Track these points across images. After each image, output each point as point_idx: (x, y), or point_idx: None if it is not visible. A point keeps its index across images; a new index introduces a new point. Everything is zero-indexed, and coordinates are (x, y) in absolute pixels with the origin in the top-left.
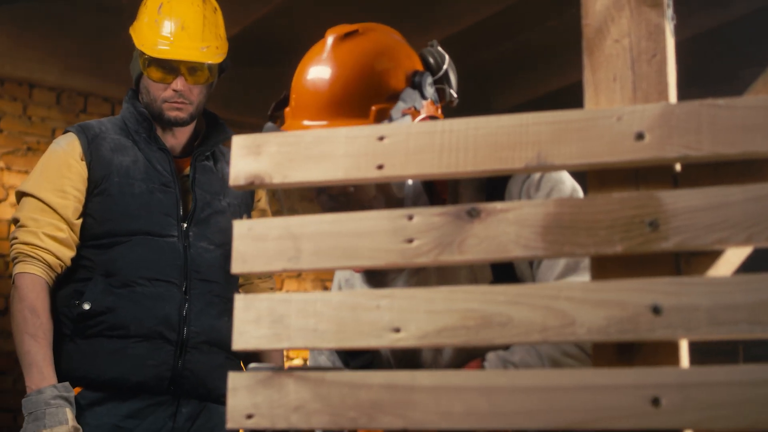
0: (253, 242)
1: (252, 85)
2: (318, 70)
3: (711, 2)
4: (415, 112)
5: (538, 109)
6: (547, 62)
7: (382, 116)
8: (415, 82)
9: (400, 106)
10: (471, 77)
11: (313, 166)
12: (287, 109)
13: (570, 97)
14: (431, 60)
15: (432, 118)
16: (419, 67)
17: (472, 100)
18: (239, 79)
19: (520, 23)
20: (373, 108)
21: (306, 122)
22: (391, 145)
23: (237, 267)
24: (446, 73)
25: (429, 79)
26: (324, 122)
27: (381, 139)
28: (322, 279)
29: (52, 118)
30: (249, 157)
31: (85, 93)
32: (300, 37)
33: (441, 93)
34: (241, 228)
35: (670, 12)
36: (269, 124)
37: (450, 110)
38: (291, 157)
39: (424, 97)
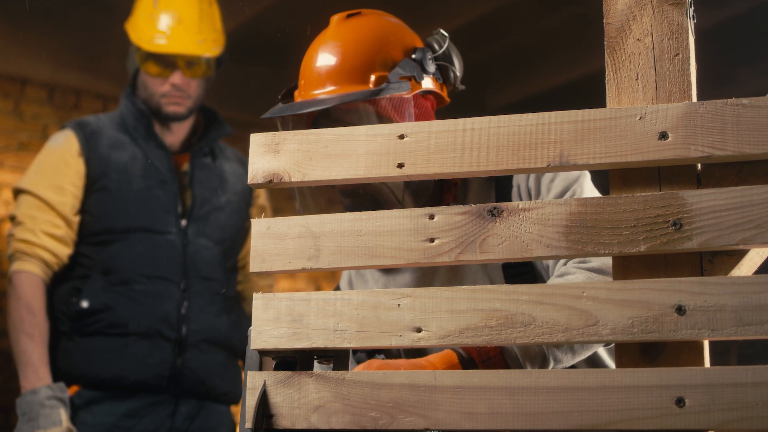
0: (272, 241)
1: (244, 83)
2: (323, 47)
3: (707, 2)
4: (415, 84)
5: (532, 108)
6: (540, 62)
7: (381, 82)
8: (415, 57)
9: (398, 71)
10: (464, 76)
11: (332, 164)
12: (296, 92)
13: (565, 95)
14: (434, 43)
15: (435, 94)
16: (420, 45)
17: (466, 100)
18: (231, 76)
19: (513, 22)
20: (373, 76)
21: (314, 92)
22: (412, 143)
23: (255, 266)
24: (447, 51)
25: (429, 55)
26: (331, 88)
27: (401, 137)
28: (315, 277)
29: (44, 114)
30: (267, 155)
31: (77, 90)
32: (294, 35)
33: (445, 74)
34: (259, 226)
35: (691, 11)
36: (279, 106)
37: (444, 111)
38: (310, 155)
39: (425, 71)
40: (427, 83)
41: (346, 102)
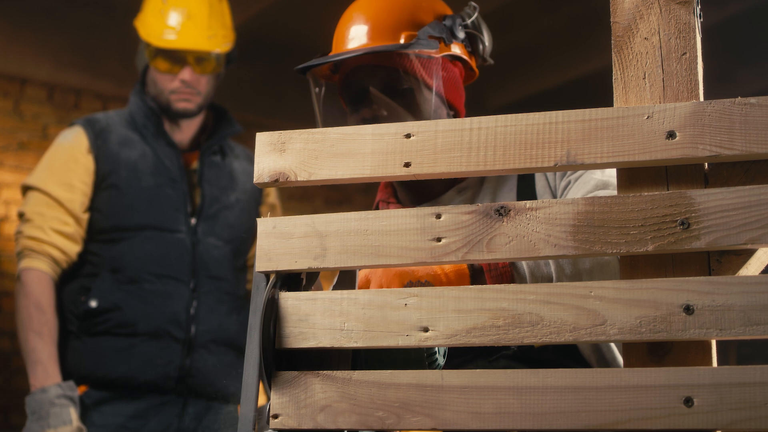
0: (278, 240)
1: (245, 82)
2: (356, 11)
3: (706, 2)
4: (444, 47)
5: (532, 107)
6: (540, 61)
7: (411, 39)
8: (445, 23)
9: (427, 30)
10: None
11: (339, 163)
12: (330, 54)
13: (565, 95)
14: (464, 15)
15: (464, 63)
16: (450, 13)
17: (467, 99)
18: (232, 75)
19: (513, 22)
20: (403, 35)
21: (348, 46)
22: (419, 142)
23: (261, 265)
24: (477, 21)
25: (459, 21)
26: (363, 42)
27: (408, 136)
28: None
29: (44, 114)
30: (273, 154)
31: (77, 89)
32: (294, 35)
33: (474, 44)
34: (265, 225)
35: (698, 9)
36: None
37: None
38: (316, 155)
39: (455, 36)
40: (456, 50)
41: (375, 52)
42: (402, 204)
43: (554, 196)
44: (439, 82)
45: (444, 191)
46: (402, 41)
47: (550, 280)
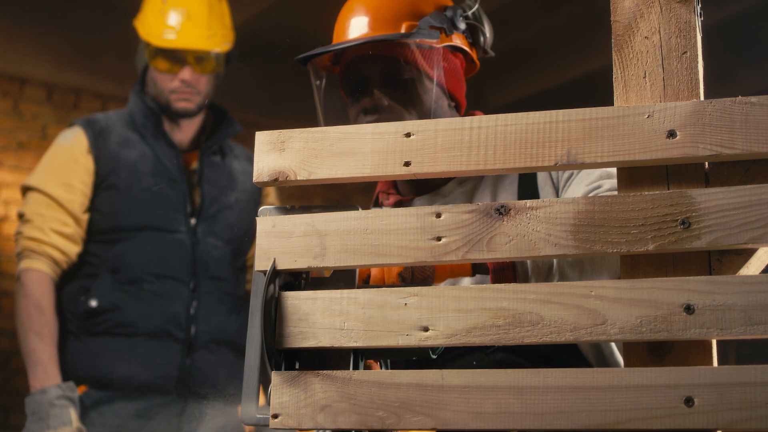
0: (278, 239)
1: (245, 82)
2: (357, 2)
3: (706, 2)
4: (445, 37)
5: (531, 107)
6: (540, 61)
7: (411, 29)
8: (446, 13)
9: (428, 20)
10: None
11: (338, 162)
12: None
13: (565, 94)
14: (466, 6)
15: (465, 55)
16: (451, 4)
17: (467, 96)
18: (232, 75)
19: (514, 22)
20: (404, 24)
21: (349, 36)
22: (419, 141)
23: (261, 264)
24: (478, 13)
25: (460, 12)
26: (364, 32)
27: (408, 135)
28: None
29: (43, 114)
30: (273, 153)
31: (76, 89)
32: (291, 35)
33: (475, 35)
34: (265, 224)
35: (698, 8)
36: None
37: None
38: (316, 153)
39: (456, 27)
40: (457, 41)
41: (375, 41)
42: (402, 195)
43: (556, 189)
44: (440, 73)
45: (444, 183)
46: (403, 31)
47: (551, 266)
